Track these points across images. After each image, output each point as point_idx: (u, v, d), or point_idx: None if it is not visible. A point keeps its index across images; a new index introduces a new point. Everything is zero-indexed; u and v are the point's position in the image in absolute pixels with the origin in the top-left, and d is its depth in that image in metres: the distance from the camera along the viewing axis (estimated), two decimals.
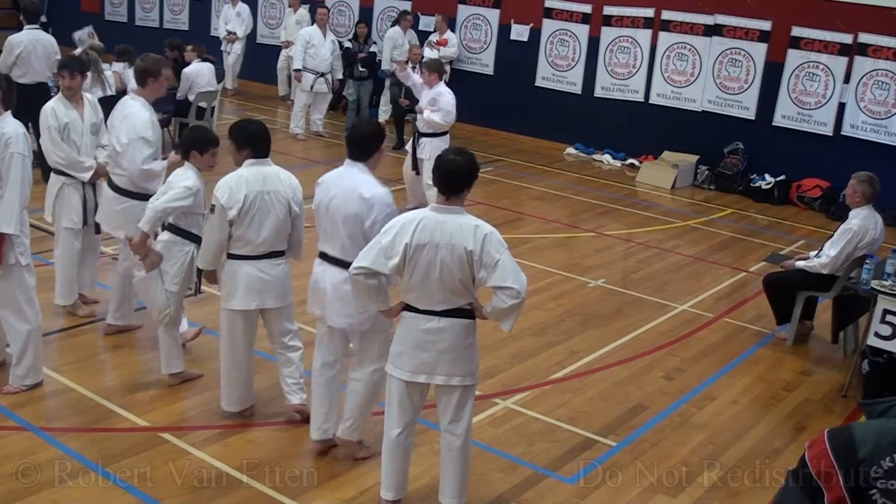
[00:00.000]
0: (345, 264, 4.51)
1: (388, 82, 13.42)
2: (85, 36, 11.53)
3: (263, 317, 5.23)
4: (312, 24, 13.25)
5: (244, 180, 4.92)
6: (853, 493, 2.52)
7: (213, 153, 5.45)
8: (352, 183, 4.65)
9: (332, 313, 4.77)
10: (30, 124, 6.82)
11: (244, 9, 15.30)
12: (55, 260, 6.46)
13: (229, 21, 15.18)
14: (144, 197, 5.77)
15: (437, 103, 9.30)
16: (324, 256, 4.81)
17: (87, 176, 6.24)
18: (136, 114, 5.87)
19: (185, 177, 5.34)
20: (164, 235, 5.48)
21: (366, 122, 4.87)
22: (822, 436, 2.60)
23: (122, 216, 5.96)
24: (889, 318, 5.94)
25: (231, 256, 5.05)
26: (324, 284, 4.77)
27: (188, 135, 5.75)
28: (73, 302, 6.50)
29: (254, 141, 5.03)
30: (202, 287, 5.64)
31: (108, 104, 9.10)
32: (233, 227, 4.94)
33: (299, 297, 5.36)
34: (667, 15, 12.72)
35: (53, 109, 6.15)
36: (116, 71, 10.27)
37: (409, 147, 9.67)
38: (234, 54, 15.29)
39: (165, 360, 5.62)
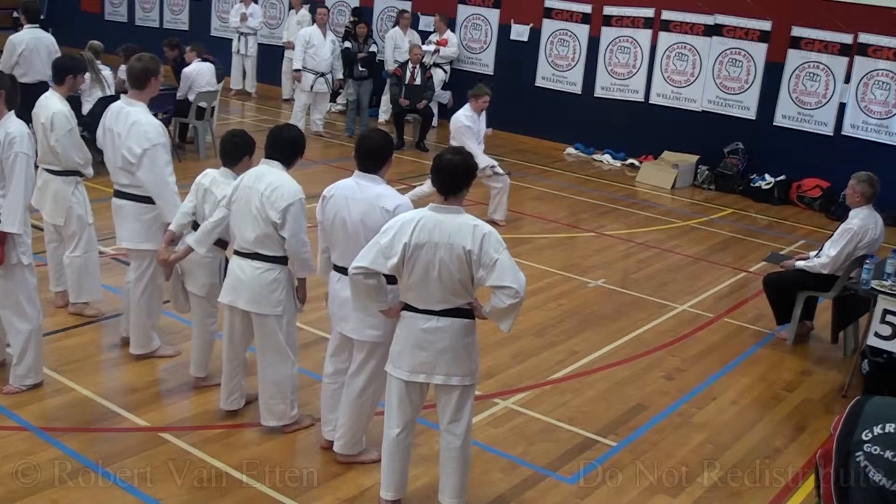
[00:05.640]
0: None
1: (388, 82, 13.42)
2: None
3: None
4: (313, 24, 13.25)
5: (244, 174, 4.98)
6: (840, 441, 2.79)
7: (248, 157, 5.36)
8: (371, 197, 4.54)
9: (359, 326, 4.65)
10: (30, 124, 6.82)
11: (257, 9, 15.26)
12: (80, 258, 6.27)
13: (252, 16, 14.93)
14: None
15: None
16: (340, 271, 4.67)
17: (91, 171, 6.28)
18: (145, 121, 5.52)
19: (223, 187, 5.24)
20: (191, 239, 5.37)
21: (376, 133, 4.71)
22: None
23: (148, 227, 5.65)
24: (889, 318, 5.95)
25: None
26: (345, 297, 4.59)
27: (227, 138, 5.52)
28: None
29: (268, 143, 4.97)
30: None
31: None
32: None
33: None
34: (667, 15, 12.73)
35: (70, 113, 6.08)
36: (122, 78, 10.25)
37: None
38: (251, 57, 15.21)
39: (196, 362, 5.63)
